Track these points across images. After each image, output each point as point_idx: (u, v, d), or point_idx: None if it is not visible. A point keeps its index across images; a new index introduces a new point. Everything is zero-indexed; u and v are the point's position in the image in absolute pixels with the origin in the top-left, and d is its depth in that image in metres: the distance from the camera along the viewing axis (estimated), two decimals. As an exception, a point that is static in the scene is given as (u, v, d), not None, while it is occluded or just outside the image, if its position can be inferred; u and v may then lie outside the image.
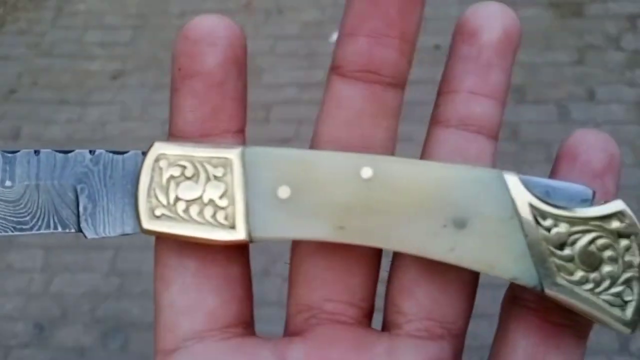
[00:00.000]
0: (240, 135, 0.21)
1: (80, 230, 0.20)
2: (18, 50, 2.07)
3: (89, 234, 0.20)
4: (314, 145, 0.21)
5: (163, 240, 0.21)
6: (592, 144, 0.20)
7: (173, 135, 0.21)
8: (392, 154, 0.21)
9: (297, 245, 0.21)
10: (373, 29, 0.19)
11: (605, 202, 0.19)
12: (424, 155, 0.21)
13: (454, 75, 0.21)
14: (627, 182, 1.49)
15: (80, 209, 0.20)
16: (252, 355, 0.20)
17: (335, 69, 0.20)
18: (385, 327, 0.21)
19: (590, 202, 0.19)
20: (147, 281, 1.48)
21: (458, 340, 0.21)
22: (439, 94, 0.21)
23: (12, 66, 2.03)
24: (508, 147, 1.60)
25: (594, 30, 1.85)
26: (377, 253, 0.21)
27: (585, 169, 0.20)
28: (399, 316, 0.20)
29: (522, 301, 0.20)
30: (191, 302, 0.20)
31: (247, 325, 0.21)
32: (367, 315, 0.21)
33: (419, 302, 0.20)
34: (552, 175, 0.21)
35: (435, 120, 0.21)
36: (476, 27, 0.20)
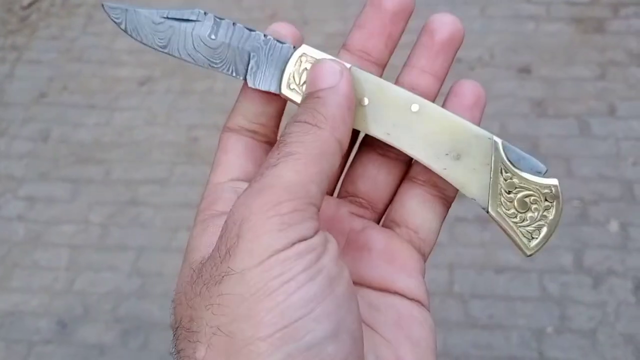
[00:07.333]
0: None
1: (245, 78, 0.33)
2: (49, 55, 2.12)
3: (250, 82, 0.33)
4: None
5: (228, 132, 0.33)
6: (467, 88, 0.32)
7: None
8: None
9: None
10: (372, 27, 0.33)
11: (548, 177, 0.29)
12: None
13: (414, 55, 0.33)
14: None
15: (249, 67, 0.33)
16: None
17: (344, 46, 0.34)
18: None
19: (542, 174, 0.29)
20: (168, 282, 1.50)
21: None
22: (405, 65, 0.34)
23: (44, 70, 2.07)
24: (527, 160, 1.61)
25: (616, 46, 1.85)
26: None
27: (462, 103, 0.32)
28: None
29: (415, 180, 0.33)
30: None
31: None
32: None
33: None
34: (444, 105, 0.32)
35: (398, 79, 0.34)
36: (434, 28, 0.33)
